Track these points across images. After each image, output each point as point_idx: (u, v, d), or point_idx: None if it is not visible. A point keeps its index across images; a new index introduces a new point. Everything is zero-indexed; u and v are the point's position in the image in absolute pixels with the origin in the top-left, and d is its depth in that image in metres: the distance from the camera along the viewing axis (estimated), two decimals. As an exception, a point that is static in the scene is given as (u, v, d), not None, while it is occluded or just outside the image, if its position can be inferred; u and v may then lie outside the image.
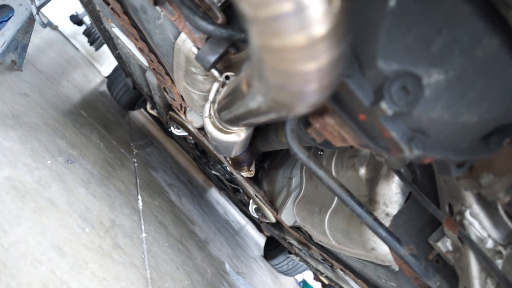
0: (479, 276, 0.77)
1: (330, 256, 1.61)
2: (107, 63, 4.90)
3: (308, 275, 5.17)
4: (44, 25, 2.28)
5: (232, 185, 2.93)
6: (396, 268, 1.10)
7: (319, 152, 1.48)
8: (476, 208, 0.83)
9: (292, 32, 0.39)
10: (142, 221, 1.68)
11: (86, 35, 4.57)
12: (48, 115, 1.82)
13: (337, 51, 0.44)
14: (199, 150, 3.16)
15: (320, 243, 1.59)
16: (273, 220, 2.12)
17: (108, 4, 1.35)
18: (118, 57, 2.51)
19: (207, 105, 1.08)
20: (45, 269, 0.86)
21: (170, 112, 2.18)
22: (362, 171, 1.17)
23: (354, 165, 1.22)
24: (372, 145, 0.65)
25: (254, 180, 1.98)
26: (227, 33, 0.85)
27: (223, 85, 1.04)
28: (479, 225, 0.82)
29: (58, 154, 1.51)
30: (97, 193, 1.49)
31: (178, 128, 2.18)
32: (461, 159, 0.58)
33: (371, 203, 1.11)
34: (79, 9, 4.39)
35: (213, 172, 3.05)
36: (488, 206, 0.82)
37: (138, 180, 2.15)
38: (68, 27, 4.85)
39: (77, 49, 4.98)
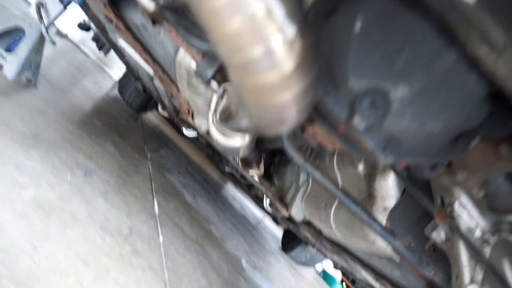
0: (468, 264, 0.82)
1: (340, 248, 1.67)
2: (117, 66, 4.99)
3: (328, 265, 5.22)
4: (54, 43, 2.38)
5: (246, 182, 2.99)
6: (398, 260, 1.15)
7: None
8: (464, 199, 0.87)
9: (265, 71, 0.46)
10: (159, 226, 1.77)
11: (94, 41, 4.70)
12: (64, 130, 1.92)
13: (306, 80, 0.51)
14: (211, 149, 3.23)
15: (328, 237, 1.65)
16: (286, 214, 2.17)
17: (111, 21, 1.43)
18: (126, 63, 2.58)
19: (211, 113, 1.14)
20: (72, 280, 0.96)
21: (180, 114, 2.23)
22: (361, 167, 1.22)
23: (353, 161, 1.27)
24: (355, 151, 0.71)
25: (266, 176, 2.02)
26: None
27: (222, 96, 1.10)
28: (467, 215, 0.86)
29: (77, 167, 1.61)
30: (115, 202, 1.59)
31: (189, 129, 2.24)
32: (432, 162, 0.64)
33: (370, 198, 1.16)
34: (87, 17, 4.47)
35: (226, 169, 3.12)
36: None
37: (153, 185, 2.25)
38: (77, 35, 4.98)
39: (87, 55, 5.11)
